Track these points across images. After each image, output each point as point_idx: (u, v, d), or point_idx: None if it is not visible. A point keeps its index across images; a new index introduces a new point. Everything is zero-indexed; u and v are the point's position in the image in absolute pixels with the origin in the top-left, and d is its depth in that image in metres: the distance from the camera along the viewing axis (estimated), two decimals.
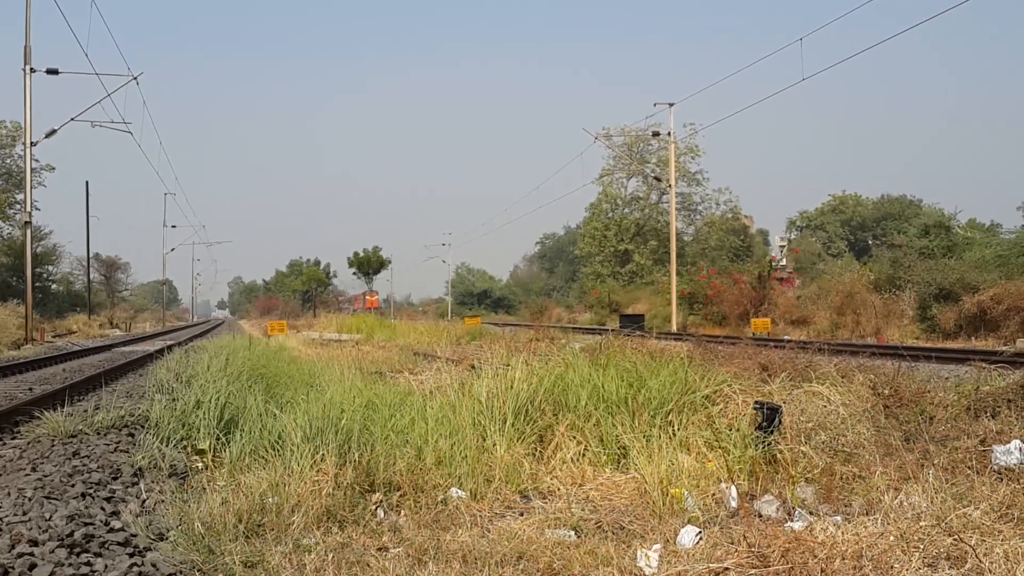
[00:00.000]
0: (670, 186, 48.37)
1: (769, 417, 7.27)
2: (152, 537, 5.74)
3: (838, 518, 5.42)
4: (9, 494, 6.26)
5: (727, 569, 4.55)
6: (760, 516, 5.85)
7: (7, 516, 5.68)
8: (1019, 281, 28.30)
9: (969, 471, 6.12)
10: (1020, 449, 6.38)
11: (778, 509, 5.98)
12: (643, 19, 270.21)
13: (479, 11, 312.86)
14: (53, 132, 35.66)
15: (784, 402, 8.19)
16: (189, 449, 8.45)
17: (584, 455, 7.61)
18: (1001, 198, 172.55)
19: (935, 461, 6.35)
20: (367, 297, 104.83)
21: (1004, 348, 20.93)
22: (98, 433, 9.35)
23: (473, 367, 12.45)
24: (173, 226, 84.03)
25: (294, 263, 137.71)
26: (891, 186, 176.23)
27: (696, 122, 67.83)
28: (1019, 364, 9.88)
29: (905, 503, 5.49)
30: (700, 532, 5.39)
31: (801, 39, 28.60)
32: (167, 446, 8.28)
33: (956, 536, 4.56)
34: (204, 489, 6.86)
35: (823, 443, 7.17)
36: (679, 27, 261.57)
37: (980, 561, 4.30)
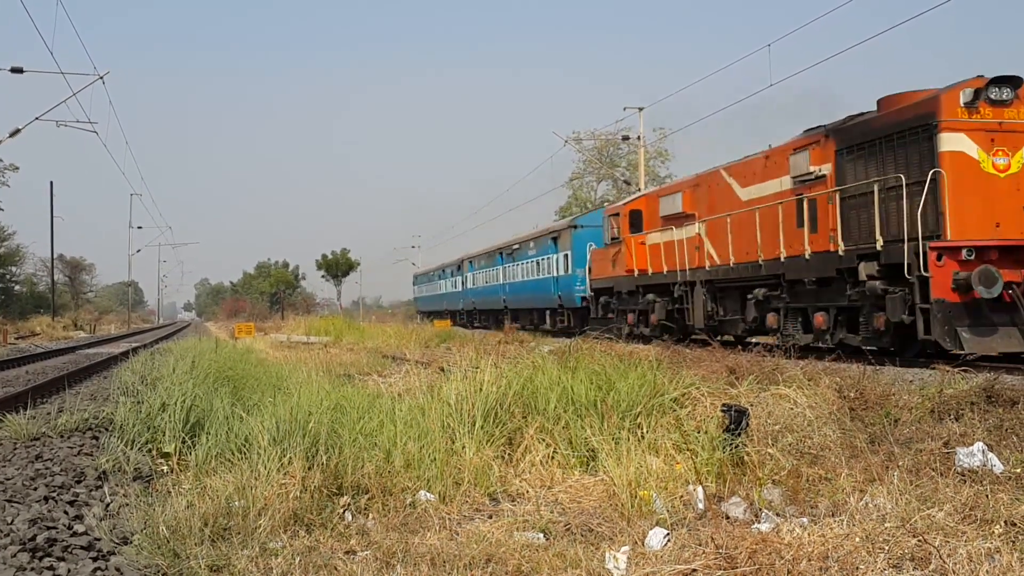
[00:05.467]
0: (639, 190, 48.62)
1: (736, 419, 7.32)
2: (116, 541, 5.66)
3: (804, 519, 5.46)
4: None
5: (695, 570, 4.57)
6: (728, 518, 5.88)
7: None
8: None
9: (933, 473, 6.19)
10: (983, 451, 6.47)
11: (745, 511, 6.02)
12: (615, 25, 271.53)
13: (448, 15, 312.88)
14: (17, 131, 35.21)
15: (751, 404, 8.25)
16: (154, 452, 8.36)
17: (553, 457, 7.61)
18: None
19: (900, 463, 6.42)
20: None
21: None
22: (61, 436, 9.23)
23: (442, 370, 12.43)
24: (139, 227, 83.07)
25: (262, 265, 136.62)
26: None
27: (666, 126, 68.09)
28: (982, 367, 10.03)
29: (870, 504, 5.54)
30: (668, 534, 5.41)
31: (769, 45, 28.65)
32: (132, 449, 8.18)
33: (920, 537, 4.61)
34: (169, 492, 6.78)
35: (790, 445, 7.22)
36: (650, 33, 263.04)
37: (944, 562, 4.35)
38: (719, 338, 19.55)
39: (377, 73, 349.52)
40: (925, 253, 13.38)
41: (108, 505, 6.58)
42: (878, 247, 14.60)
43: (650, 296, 23.84)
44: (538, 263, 38.24)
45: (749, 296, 19.03)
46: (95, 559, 5.21)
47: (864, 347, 15.34)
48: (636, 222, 25.36)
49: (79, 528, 5.76)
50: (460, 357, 12.89)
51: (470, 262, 53.24)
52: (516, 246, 42.53)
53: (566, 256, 34.26)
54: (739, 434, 7.18)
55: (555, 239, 36.08)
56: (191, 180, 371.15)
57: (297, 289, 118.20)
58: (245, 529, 5.77)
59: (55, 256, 70.83)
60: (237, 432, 7.89)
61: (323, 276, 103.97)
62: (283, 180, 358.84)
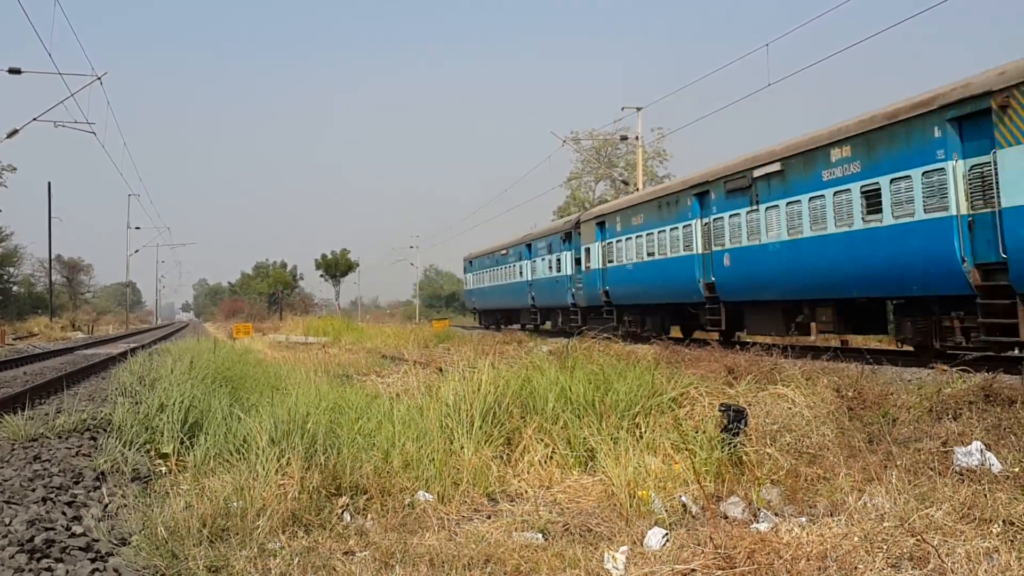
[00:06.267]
0: (637, 190, 48.62)
1: (735, 419, 7.32)
2: (114, 542, 5.66)
3: (803, 519, 5.46)
4: None
5: (693, 570, 4.57)
6: (726, 517, 5.88)
7: None
8: None
9: (931, 472, 6.19)
10: (981, 450, 6.48)
11: (744, 510, 6.02)
12: (613, 24, 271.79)
13: (448, 15, 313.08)
14: (15, 132, 35.17)
15: (750, 404, 8.25)
16: (153, 453, 8.36)
17: (552, 457, 7.61)
18: None
19: (898, 462, 6.42)
20: None
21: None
22: (59, 437, 9.21)
23: (441, 370, 12.42)
24: (137, 228, 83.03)
25: (260, 265, 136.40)
26: None
27: (664, 126, 68.14)
28: (980, 367, 10.02)
29: (869, 504, 5.54)
30: (667, 534, 5.42)
31: (767, 45, 28.69)
32: (130, 450, 8.18)
33: (919, 537, 4.61)
34: (168, 493, 6.79)
35: (788, 445, 7.22)
36: (648, 32, 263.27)
37: (942, 561, 4.35)
38: None
39: (374, 74, 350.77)
40: None
41: (106, 506, 6.57)
42: None
43: None
44: (868, 195, 15.92)
45: None
46: (93, 560, 5.20)
47: None
48: None
49: (77, 529, 5.75)
50: (459, 357, 12.89)
51: (599, 225, 30.20)
52: (757, 173, 19.61)
53: None
54: (737, 434, 7.18)
55: (962, 119, 13.81)
56: (189, 181, 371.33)
57: (295, 289, 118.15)
58: (243, 530, 5.77)
59: (53, 257, 70.84)
60: (235, 433, 7.89)
61: (321, 276, 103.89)
62: (281, 180, 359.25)
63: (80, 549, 5.36)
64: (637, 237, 26.74)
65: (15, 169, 70.43)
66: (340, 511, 6.37)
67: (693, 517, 5.98)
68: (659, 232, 25.05)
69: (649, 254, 25.67)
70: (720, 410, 7.63)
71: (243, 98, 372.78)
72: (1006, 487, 5.77)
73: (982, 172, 13.20)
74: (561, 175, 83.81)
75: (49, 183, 65.80)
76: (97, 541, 5.60)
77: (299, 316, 60.70)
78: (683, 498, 6.31)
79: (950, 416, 7.82)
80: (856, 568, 4.41)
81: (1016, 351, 13.97)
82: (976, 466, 6.30)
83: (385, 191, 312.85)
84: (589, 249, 31.05)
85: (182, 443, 8.33)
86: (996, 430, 7.23)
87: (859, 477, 6.24)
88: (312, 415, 7.84)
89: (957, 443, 6.79)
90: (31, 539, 5.30)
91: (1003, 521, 5.04)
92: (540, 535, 5.80)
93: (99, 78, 35.04)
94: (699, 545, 4.98)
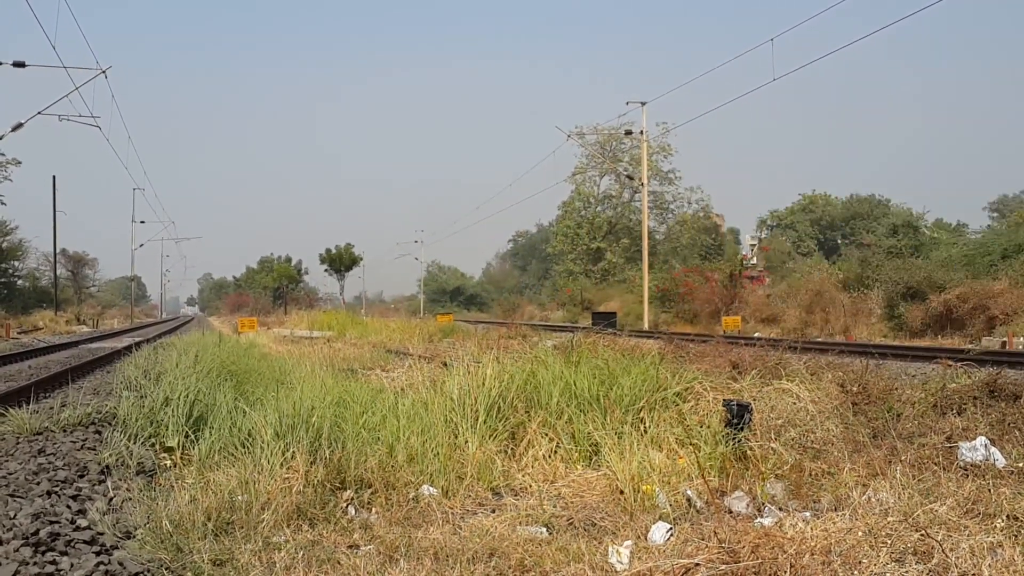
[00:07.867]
0: (642, 184, 48.54)
1: (739, 414, 7.32)
2: (119, 535, 5.67)
3: (807, 514, 5.46)
4: None
5: (697, 565, 4.57)
6: (730, 512, 5.88)
7: None
8: (984, 280, 28.75)
9: (936, 467, 6.19)
10: (985, 446, 6.48)
11: (748, 505, 6.02)
12: (617, 18, 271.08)
13: (450, 10, 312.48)
14: (20, 126, 35.27)
15: (754, 399, 8.25)
16: (157, 446, 8.37)
17: (556, 452, 7.61)
18: (967, 199, 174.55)
19: (902, 458, 6.42)
20: None
21: (970, 346, 21.18)
22: (64, 430, 9.24)
23: (445, 364, 12.42)
24: (142, 222, 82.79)
25: (265, 260, 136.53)
26: (860, 186, 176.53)
27: (668, 121, 67.98)
28: (984, 362, 10.02)
29: (873, 499, 5.54)
30: (671, 528, 5.42)
31: (772, 39, 28.51)
32: (135, 443, 8.19)
33: (923, 531, 4.61)
34: (172, 487, 6.79)
35: (793, 440, 7.22)
36: (653, 27, 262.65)
37: (946, 556, 4.35)
38: None
39: (376, 73, 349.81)
40: None
41: (111, 500, 6.59)
42: None
43: None
44: None
45: None
46: (98, 553, 5.22)
47: None
48: None
49: (82, 523, 5.77)
50: (463, 352, 12.89)
51: None
52: None
53: None
54: (742, 429, 7.18)
55: None
56: (194, 175, 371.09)
57: (300, 284, 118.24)
58: (248, 523, 5.78)
59: (58, 250, 70.91)
60: (240, 426, 7.91)
61: (326, 270, 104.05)
62: (286, 177, 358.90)
63: (85, 542, 5.37)
64: None
65: (20, 163, 70.65)
66: (344, 505, 6.38)
67: (697, 512, 5.98)
68: None
69: None
70: (724, 405, 7.63)
71: (248, 95, 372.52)
72: (1010, 482, 5.76)
73: None
74: (565, 170, 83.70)
75: (54, 177, 65.92)
76: (102, 534, 5.61)
77: (304, 310, 60.66)
78: (687, 492, 6.31)
79: (954, 411, 7.81)
80: (860, 563, 4.41)
81: None
82: (980, 461, 6.30)
83: (389, 188, 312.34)
84: None
85: (187, 437, 8.34)
86: (1000, 425, 7.22)
87: (863, 472, 6.24)
88: (317, 409, 7.85)
89: (961, 438, 6.79)
90: (36, 532, 5.32)
91: (1007, 516, 5.03)
92: (544, 529, 5.81)
93: (104, 72, 35.05)
94: (703, 539, 4.98)
